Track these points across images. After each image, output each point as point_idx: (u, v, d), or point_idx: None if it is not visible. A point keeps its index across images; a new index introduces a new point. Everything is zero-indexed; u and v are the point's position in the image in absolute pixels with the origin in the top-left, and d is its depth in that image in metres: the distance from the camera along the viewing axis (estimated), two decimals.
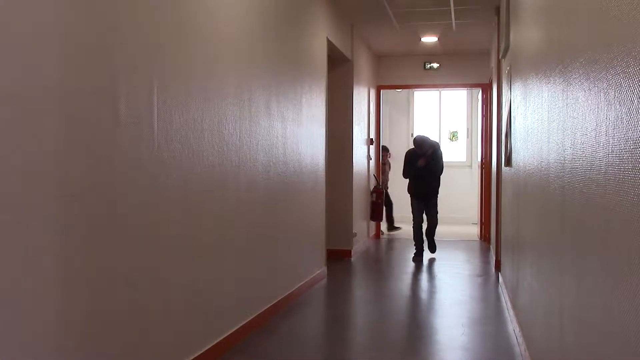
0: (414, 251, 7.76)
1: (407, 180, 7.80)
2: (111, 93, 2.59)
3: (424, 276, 6.94)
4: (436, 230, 7.92)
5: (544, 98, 2.91)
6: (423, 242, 7.75)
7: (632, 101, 1.36)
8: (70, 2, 2.34)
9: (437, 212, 7.78)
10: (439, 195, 7.86)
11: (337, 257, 7.57)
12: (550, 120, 2.66)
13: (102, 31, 2.54)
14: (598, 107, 1.71)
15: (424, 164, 7.54)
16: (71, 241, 2.35)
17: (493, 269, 6.95)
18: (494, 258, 7.16)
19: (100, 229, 2.53)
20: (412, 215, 7.73)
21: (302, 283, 5.55)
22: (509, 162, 4.99)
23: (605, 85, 1.63)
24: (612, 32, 1.57)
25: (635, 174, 1.34)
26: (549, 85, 2.74)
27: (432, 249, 7.94)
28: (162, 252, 3.04)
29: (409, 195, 7.80)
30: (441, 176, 8.27)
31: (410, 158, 7.70)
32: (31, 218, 2.14)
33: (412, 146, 7.96)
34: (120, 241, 2.67)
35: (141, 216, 2.84)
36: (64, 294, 2.32)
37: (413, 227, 7.71)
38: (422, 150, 7.58)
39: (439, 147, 7.77)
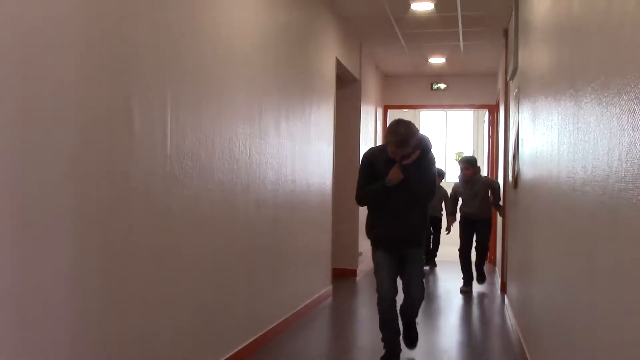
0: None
1: (366, 210, 4.17)
2: (126, 110, 2.62)
3: (428, 296, 6.92)
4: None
5: (553, 121, 2.93)
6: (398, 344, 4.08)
7: None
8: (92, 23, 2.38)
9: (423, 284, 4.14)
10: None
11: (343, 276, 7.56)
12: (561, 144, 2.68)
13: (120, 50, 2.57)
14: (611, 132, 1.73)
15: (401, 178, 3.81)
16: (87, 255, 2.36)
17: (499, 291, 6.93)
18: (499, 280, 7.14)
19: (115, 246, 2.54)
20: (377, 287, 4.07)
21: (308, 302, 5.54)
22: (516, 184, 5.00)
23: (618, 110, 1.65)
24: (625, 58, 1.60)
25: None
26: (559, 108, 2.76)
27: (412, 343, 4.31)
28: (173, 270, 3.05)
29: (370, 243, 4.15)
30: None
31: (374, 164, 3.94)
32: (49, 232, 2.16)
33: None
34: (133, 259, 2.69)
35: (154, 232, 2.86)
36: (79, 315, 2.34)
37: (379, 313, 4.05)
38: (400, 146, 3.74)
39: (431, 145, 4.03)
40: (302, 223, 5.42)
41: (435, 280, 7.98)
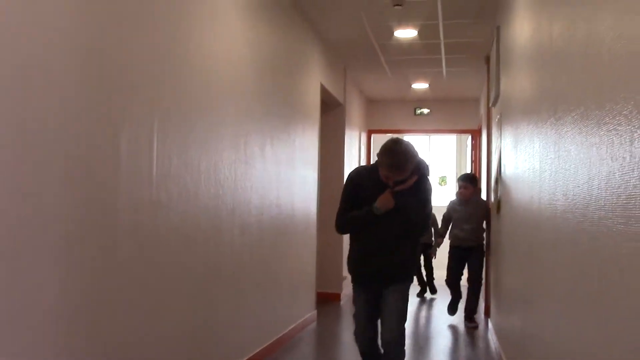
0: None
1: (349, 240, 3.64)
2: (114, 137, 2.64)
3: (412, 320, 6.92)
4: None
5: (535, 148, 2.98)
6: None
7: (624, 158, 1.42)
8: (78, 47, 2.40)
9: (403, 331, 3.43)
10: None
11: (327, 301, 7.55)
12: (542, 170, 2.73)
13: (108, 78, 2.59)
14: (590, 162, 1.77)
15: (391, 206, 3.32)
16: (73, 282, 2.36)
17: (482, 315, 6.95)
18: (483, 304, 7.17)
19: (101, 271, 2.54)
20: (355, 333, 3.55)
21: (292, 326, 5.53)
22: (498, 209, 5.06)
23: (597, 140, 1.69)
24: (604, 90, 1.64)
25: (628, 228, 1.39)
26: (540, 136, 2.81)
27: None
28: (159, 295, 3.05)
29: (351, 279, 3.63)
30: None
31: (360, 186, 3.45)
32: (36, 259, 2.16)
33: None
34: (119, 284, 2.68)
35: (140, 257, 2.85)
36: (65, 337, 2.32)
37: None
38: (396, 170, 3.27)
39: (429, 172, 3.61)
40: (287, 247, 5.43)
41: (426, 304, 7.99)
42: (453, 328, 6.41)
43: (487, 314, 6.73)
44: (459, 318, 6.69)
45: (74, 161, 2.37)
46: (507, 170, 4.41)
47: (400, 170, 3.24)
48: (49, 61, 2.24)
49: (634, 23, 1.37)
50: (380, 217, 3.30)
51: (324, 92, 6.92)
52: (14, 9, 2.08)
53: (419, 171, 3.38)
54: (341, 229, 3.53)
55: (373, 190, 3.32)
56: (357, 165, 8.85)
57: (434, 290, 8.50)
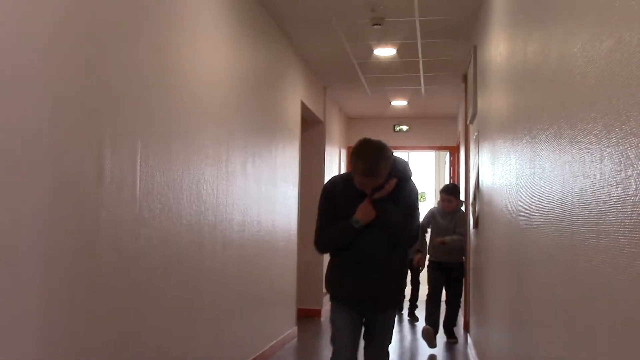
0: None
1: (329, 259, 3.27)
2: (98, 155, 2.66)
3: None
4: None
5: (511, 165, 3.06)
6: None
7: (594, 175, 1.49)
8: (63, 67, 2.43)
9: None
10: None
11: (308, 317, 7.56)
12: (519, 187, 2.81)
13: (92, 97, 2.63)
14: (564, 179, 1.84)
15: (372, 216, 3.02)
16: (55, 298, 2.37)
17: (462, 330, 7.01)
18: (462, 319, 7.23)
19: (84, 287, 2.55)
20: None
21: (273, 343, 5.54)
22: (477, 224, 5.14)
23: (570, 158, 1.76)
24: (575, 109, 1.72)
25: (599, 242, 1.45)
26: (517, 153, 2.89)
27: None
28: (141, 309, 3.06)
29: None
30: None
31: (336, 198, 3.14)
32: (18, 273, 2.18)
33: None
34: (102, 301, 2.70)
35: (123, 274, 2.87)
36: (43, 353, 2.33)
37: None
38: (369, 175, 2.94)
39: (411, 172, 3.20)
40: (268, 263, 5.45)
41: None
42: (430, 342, 6.45)
43: (466, 328, 6.79)
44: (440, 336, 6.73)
45: (58, 177, 2.40)
46: (485, 187, 4.50)
47: (374, 176, 2.90)
48: (34, 79, 2.27)
49: (601, 47, 1.45)
50: (361, 230, 2.99)
51: (305, 109, 6.99)
52: None
53: (398, 172, 3.03)
54: (321, 247, 3.16)
55: (351, 200, 3.02)
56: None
57: (415, 318, 7.62)
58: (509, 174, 3.17)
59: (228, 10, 4.36)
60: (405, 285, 3.25)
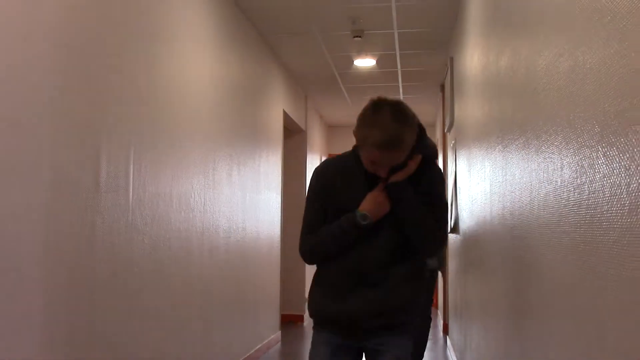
0: None
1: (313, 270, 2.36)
2: (95, 165, 2.79)
3: None
4: None
5: (486, 172, 3.24)
6: None
7: (557, 182, 1.66)
8: (63, 81, 2.56)
9: None
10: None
11: (291, 322, 7.70)
12: (492, 193, 2.98)
13: (89, 111, 2.76)
14: (531, 184, 2.01)
15: (387, 210, 2.15)
16: (55, 301, 2.49)
17: (441, 333, 7.19)
18: (441, 322, 7.41)
19: (81, 290, 2.68)
20: None
21: (257, 347, 5.67)
22: (455, 229, 5.32)
23: (536, 166, 1.94)
24: (540, 124, 1.89)
25: (561, 242, 1.62)
26: (490, 161, 3.07)
27: None
28: (132, 312, 3.18)
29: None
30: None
31: (333, 187, 2.24)
32: (20, 277, 2.30)
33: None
34: (97, 301, 2.82)
35: (116, 278, 3.00)
36: (48, 352, 2.45)
37: None
38: (388, 148, 2.02)
39: (437, 153, 2.57)
40: (252, 269, 5.59)
41: None
42: None
43: (445, 331, 6.96)
44: None
45: (58, 184, 2.52)
46: (462, 193, 4.68)
47: (396, 149, 2.01)
48: (38, 92, 2.40)
49: (562, 67, 1.62)
50: (369, 230, 2.12)
51: (287, 118, 7.15)
52: None
53: (425, 149, 2.20)
54: (309, 255, 2.24)
55: (355, 189, 2.17)
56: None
57: None
58: (483, 180, 3.35)
59: (215, 23, 4.51)
60: (424, 297, 2.25)
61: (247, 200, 5.36)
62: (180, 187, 3.79)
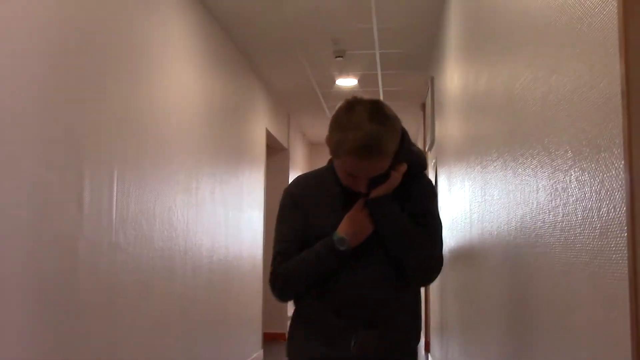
0: None
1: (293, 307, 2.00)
2: (78, 185, 2.81)
3: None
4: None
5: (466, 192, 3.30)
6: None
7: (532, 203, 1.71)
8: (49, 103, 2.58)
9: None
10: None
11: (273, 340, 7.69)
12: (472, 212, 3.03)
13: (72, 129, 2.78)
14: (509, 205, 2.06)
15: (369, 231, 1.83)
16: (37, 324, 2.49)
17: (423, 351, 7.21)
18: (423, 339, 7.43)
19: (64, 311, 2.68)
20: None
21: None
22: None
23: (513, 188, 1.99)
24: (516, 147, 1.95)
25: (537, 261, 1.67)
26: (470, 181, 3.12)
27: None
28: (115, 333, 3.18)
29: None
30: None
31: (307, 206, 1.93)
32: (4, 296, 2.30)
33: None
34: (81, 323, 2.82)
35: (99, 298, 3.00)
36: None
37: None
38: (367, 155, 1.70)
39: (425, 163, 1.93)
40: (235, 288, 5.59)
41: None
42: None
43: (427, 349, 6.99)
44: None
45: (41, 210, 2.53)
46: (444, 212, 4.73)
47: (375, 155, 1.70)
48: (24, 116, 2.42)
49: (538, 91, 1.68)
50: (350, 255, 1.80)
51: (269, 137, 7.19)
52: None
53: (410, 155, 1.86)
54: (280, 289, 1.90)
55: (331, 210, 1.87)
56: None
57: None
58: (463, 199, 3.40)
59: (198, 43, 4.55)
60: (420, 330, 1.94)
61: (230, 219, 5.37)
62: (163, 206, 3.80)
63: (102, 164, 3.04)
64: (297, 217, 1.91)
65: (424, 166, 1.91)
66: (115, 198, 3.15)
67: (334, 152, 1.78)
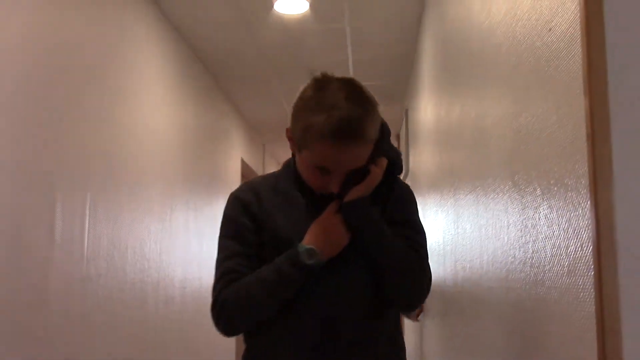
0: None
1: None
2: (49, 215, 2.77)
3: None
4: None
5: (440, 223, 3.32)
6: None
7: (503, 239, 1.73)
8: (20, 131, 2.56)
9: None
10: None
11: None
12: (445, 244, 3.05)
13: (45, 158, 2.75)
14: (481, 240, 2.08)
15: (345, 240, 1.49)
16: (7, 356, 2.43)
17: None
18: None
19: (33, 347, 2.62)
20: None
21: None
22: None
23: (485, 222, 2.01)
24: (489, 182, 1.97)
25: (508, 296, 1.68)
26: (444, 213, 3.15)
27: None
28: None
29: None
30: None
31: (263, 213, 1.55)
32: None
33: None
34: (53, 357, 2.76)
35: (70, 332, 2.94)
36: None
37: None
38: (347, 136, 1.39)
39: (401, 159, 1.63)
40: (208, 320, 5.50)
41: None
42: None
43: None
44: None
45: (13, 238, 2.49)
46: None
47: (355, 141, 1.41)
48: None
49: (506, 124, 1.71)
50: (322, 271, 1.46)
51: (245, 166, 7.19)
52: None
53: (389, 151, 1.56)
54: (228, 321, 1.62)
55: (293, 217, 1.53)
56: None
57: None
58: (437, 230, 3.43)
59: (173, 72, 4.56)
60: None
61: (204, 249, 5.33)
62: (136, 237, 3.76)
63: (75, 195, 3.00)
64: (249, 226, 1.52)
65: (401, 167, 1.61)
66: (87, 229, 3.12)
67: (300, 141, 1.46)
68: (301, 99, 1.48)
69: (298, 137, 1.48)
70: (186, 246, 4.81)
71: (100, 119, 3.33)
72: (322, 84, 1.45)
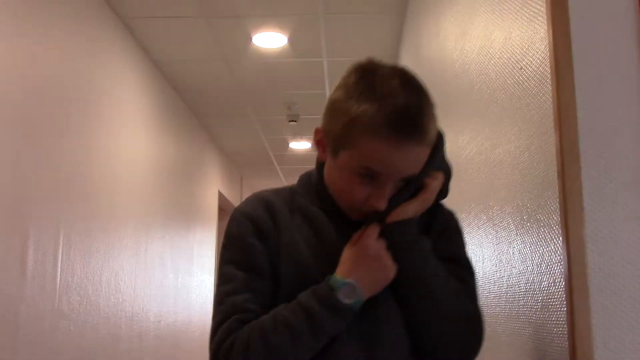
0: None
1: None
2: (21, 248, 2.73)
3: None
4: None
5: None
6: None
7: (479, 273, 1.74)
8: None
9: None
10: None
11: None
12: None
13: (18, 189, 2.72)
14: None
15: (393, 274, 1.12)
16: None
17: None
18: None
19: None
20: None
21: None
22: None
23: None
24: (465, 215, 1.99)
25: (497, 323, 1.68)
26: None
27: None
28: None
29: None
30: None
31: (283, 234, 1.16)
32: None
33: None
34: None
35: None
36: None
37: None
38: (409, 135, 1.06)
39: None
40: (184, 355, 5.44)
41: None
42: None
43: None
44: None
45: None
46: None
47: (419, 139, 1.08)
48: None
49: (481, 158, 1.73)
50: (360, 313, 1.10)
51: (222, 199, 7.16)
52: None
53: (443, 164, 1.27)
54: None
55: (320, 243, 1.18)
56: None
57: None
58: None
59: (151, 105, 4.56)
60: None
61: (180, 282, 5.28)
62: (110, 270, 3.71)
63: (47, 228, 2.96)
64: (260, 250, 1.15)
65: (447, 190, 1.28)
66: (60, 262, 3.07)
67: (340, 139, 1.10)
68: (342, 87, 1.12)
69: (337, 134, 1.11)
70: (162, 280, 4.75)
71: (75, 152, 3.31)
72: (369, 69, 1.12)
